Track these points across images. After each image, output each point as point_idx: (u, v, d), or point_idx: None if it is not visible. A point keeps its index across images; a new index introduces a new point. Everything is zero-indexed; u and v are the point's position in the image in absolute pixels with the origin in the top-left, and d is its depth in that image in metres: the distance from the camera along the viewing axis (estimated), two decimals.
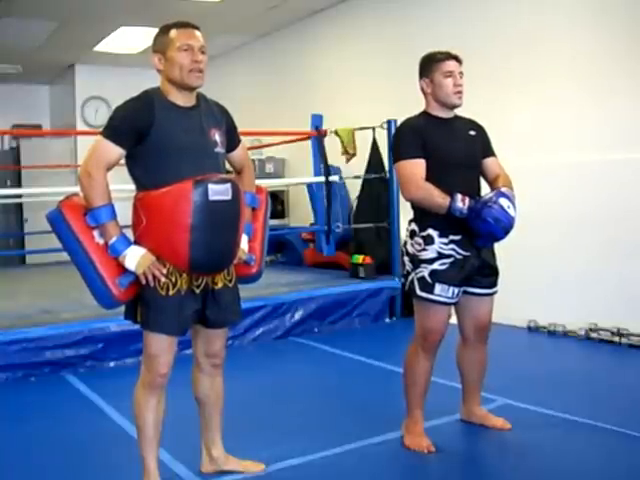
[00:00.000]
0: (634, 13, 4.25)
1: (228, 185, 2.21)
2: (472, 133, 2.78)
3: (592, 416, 2.96)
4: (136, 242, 2.21)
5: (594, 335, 4.40)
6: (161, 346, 2.23)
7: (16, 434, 3.09)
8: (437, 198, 2.58)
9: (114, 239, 2.14)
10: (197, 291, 2.25)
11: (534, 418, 3.02)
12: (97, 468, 2.69)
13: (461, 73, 2.70)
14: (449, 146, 2.69)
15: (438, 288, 2.64)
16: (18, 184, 9.12)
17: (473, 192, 2.68)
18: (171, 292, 2.19)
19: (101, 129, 2.22)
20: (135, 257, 2.15)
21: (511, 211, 2.55)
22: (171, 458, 2.64)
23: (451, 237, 2.64)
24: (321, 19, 7.10)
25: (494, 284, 2.78)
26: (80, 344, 4.16)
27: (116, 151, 2.17)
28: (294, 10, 6.99)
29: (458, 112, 2.81)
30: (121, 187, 3.37)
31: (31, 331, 4.06)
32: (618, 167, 4.31)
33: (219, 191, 2.17)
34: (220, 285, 2.31)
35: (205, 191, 2.14)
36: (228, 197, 2.20)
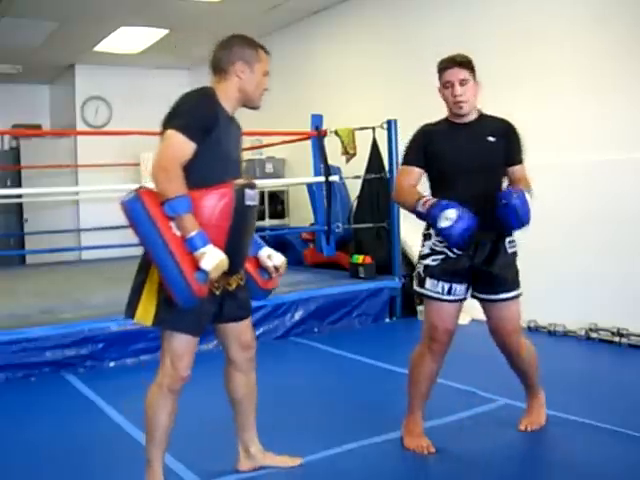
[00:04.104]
0: (635, 12, 4.25)
1: (256, 192, 2.29)
2: (491, 139, 2.70)
3: (592, 416, 2.96)
4: None
5: (594, 335, 4.40)
6: (186, 347, 2.23)
7: (16, 434, 3.09)
8: (409, 202, 2.65)
9: (194, 233, 2.08)
10: (217, 293, 2.27)
11: None
12: (97, 468, 2.69)
13: (463, 80, 2.65)
14: (455, 152, 2.68)
15: (428, 282, 2.69)
16: (18, 184, 9.10)
17: (486, 197, 2.64)
18: None
19: (171, 122, 2.15)
20: (214, 258, 2.08)
21: (446, 223, 2.50)
22: (172, 458, 2.64)
23: None
24: (321, 19, 7.10)
25: (497, 291, 2.72)
26: (80, 344, 4.15)
27: (191, 146, 2.14)
28: (294, 10, 7.00)
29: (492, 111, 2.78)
30: (121, 187, 3.38)
31: (31, 331, 4.06)
32: (618, 167, 4.31)
33: (252, 196, 2.24)
34: (234, 285, 2.35)
35: (243, 196, 2.20)
36: (256, 203, 2.29)
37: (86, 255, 8.58)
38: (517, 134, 2.76)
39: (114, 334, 4.23)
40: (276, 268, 2.51)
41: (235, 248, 2.20)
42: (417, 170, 2.73)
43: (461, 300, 2.73)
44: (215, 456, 2.69)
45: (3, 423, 3.26)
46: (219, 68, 2.30)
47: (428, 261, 2.71)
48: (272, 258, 2.50)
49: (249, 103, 2.34)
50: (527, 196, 2.55)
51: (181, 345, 2.22)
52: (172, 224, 2.08)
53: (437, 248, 2.69)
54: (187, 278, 2.04)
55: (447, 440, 2.81)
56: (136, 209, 2.08)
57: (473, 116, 2.73)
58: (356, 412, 3.21)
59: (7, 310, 4.69)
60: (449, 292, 2.68)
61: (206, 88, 2.27)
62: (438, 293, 2.68)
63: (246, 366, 2.46)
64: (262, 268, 2.50)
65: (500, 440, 2.82)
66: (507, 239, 2.72)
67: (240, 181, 2.24)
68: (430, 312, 2.73)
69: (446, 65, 2.68)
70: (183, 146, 2.12)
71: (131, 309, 2.24)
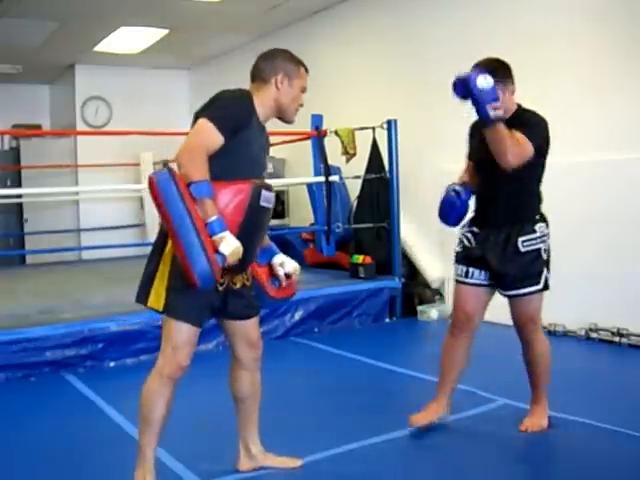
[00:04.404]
0: (634, 11, 4.25)
1: (273, 194, 2.33)
2: None
3: (592, 416, 2.96)
4: None
5: (594, 335, 4.40)
6: (187, 337, 2.25)
7: (16, 434, 3.09)
8: None
9: (214, 218, 2.11)
10: (220, 289, 2.29)
11: None
12: (97, 468, 2.69)
13: None
14: (475, 147, 2.87)
15: (454, 267, 2.95)
16: (18, 184, 9.10)
17: (499, 192, 2.79)
18: None
19: (205, 111, 2.19)
20: (232, 244, 2.13)
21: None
22: (171, 458, 2.64)
23: (473, 228, 2.89)
24: (321, 19, 7.10)
25: (509, 287, 2.83)
26: (80, 344, 4.15)
27: (219, 138, 2.17)
28: (294, 10, 6.99)
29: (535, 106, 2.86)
30: (121, 187, 3.38)
31: (31, 331, 4.05)
32: (619, 167, 4.31)
33: (267, 198, 2.28)
34: (239, 285, 2.37)
35: (259, 195, 2.24)
36: (271, 205, 2.32)
37: (86, 255, 8.55)
38: (527, 117, 2.78)
39: (114, 334, 4.23)
40: (288, 275, 2.51)
41: (244, 246, 2.20)
42: (469, 161, 3.00)
43: (481, 286, 2.86)
44: (215, 456, 2.69)
45: (3, 423, 3.26)
46: (260, 77, 2.36)
47: (457, 248, 2.96)
48: (284, 265, 2.52)
49: (283, 115, 2.41)
50: (472, 76, 2.55)
51: (182, 334, 2.24)
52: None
53: (461, 236, 2.95)
54: (210, 257, 2.06)
55: (447, 440, 2.81)
56: (168, 184, 2.07)
57: (507, 116, 2.73)
58: (356, 412, 3.21)
59: (7, 310, 4.69)
60: (466, 275, 2.89)
61: (246, 90, 2.33)
62: (459, 275, 2.92)
63: (252, 365, 2.48)
64: (274, 276, 2.52)
65: (500, 440, 2.82)
66: (521, 238, 2.76)
67: (259, 181, 2.28)
68: (454, 294, 2.97)
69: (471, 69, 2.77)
70: (211, 136, 2.15)
71: (143, 295, 2.27)
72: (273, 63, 2.37)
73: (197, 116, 2.21)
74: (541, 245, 2.79)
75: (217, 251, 2.10)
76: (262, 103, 2.33)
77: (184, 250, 2.06)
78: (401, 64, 6.11)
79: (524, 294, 2.81)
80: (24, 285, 6.39)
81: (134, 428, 2.94)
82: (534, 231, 2.78)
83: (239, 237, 2.18)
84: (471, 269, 2.87)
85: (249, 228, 2.23)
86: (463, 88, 2.56)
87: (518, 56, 4.93)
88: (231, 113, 2.22)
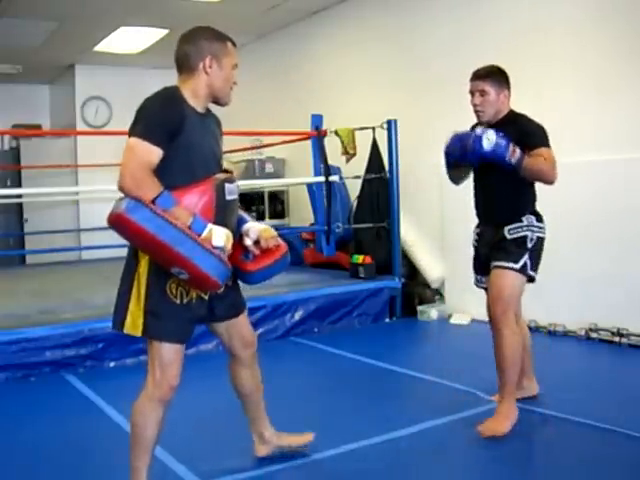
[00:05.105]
0: (635, 11, 4.25)
1: (236, 184, 2.27)
2: (500, 134, 2.88)
3: (592, 416, 2.96)
4: None
5: (594, 335, 4.40)
6: (174, 355, 2.19)
7: (16, 434, 3.09)
8: None
9: (191, 220, 2.04)
10: (205, 297, 2.24)
11: (534, 418, 3.02)
12: (97, 468, 2.69)
13: (482, 91, 2.89)
14: None
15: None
16: (18, 184, 9.11)
17: (492, 192, 2.96)
18: (185, 300, 2.17)
19: (134, 129, 2.09)
20: (221, 233, 2.07)
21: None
22: (171, 458, 2.64)
23: (477, 230, 3.14)
24: (321, 19, 7.10)
25: (493, 260, 2.98)
26: (80, 344, 4.15)
27: (157, 152, 2.06)
28: (294, 10, 7.00)
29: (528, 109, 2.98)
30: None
31: (31, 331, 4.05)
32: (618, 167, 4.31)
33: (232, 190, 2.22)
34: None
35: (223, 191, 2.17)
36: (236, 196, 2.26)
37: (86, 255, 8.58)
38: (524, 121, 2.93)
39: (114, 334, 4.17)
40: (256, 242, 2.34)
41: None
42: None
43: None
44: (217, 457, 2.70)
45: (3, 423, 3.26)
46: (186, 66, 2.23)
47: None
48: (249, 233, 2.34)
49: (218, 100, 2.27)
50: (478, 135, 2.75)
51: (169, 354, 2.18)
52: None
53: (472, 242, 3.15)
54: (214, 253, 2.02)
55: (447, 440, 2.81)
56: (139, 209, 1.95)
57: (499, 116, 2.95)
58: (356, 412, 3.21)
59: (7, 310, 4.69)
60: (478, 281, 3.16)
61: (169, 88, 2.20)
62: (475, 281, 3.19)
63: (250, 361, 2.50)
64: (247, 250, 2.37)
65: (499, 440, 2.81)
66: (507, 227, 2.93)
67: (219, 176, 2.20)
68: None
69: (471, 77, 2.95)
70: (148, 154, 2.04)
71: (119, 321, 2.19)
72: (197, 47, 2.21)
73: (129, 134, 2.09)
74: (527, 233, 2.92)
75: (213, 246, 2.05)
76: (195, 93, 2.20)
77: (189, 260, 1.99)
78: (401, 64, 6.12)
79: (498, 266, 2.91)
80: (24, 285, 6.39)
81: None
82: (521, 220, 2.93)
83: None
84: (477, 276, 3.15)
85: (222, 225, 2.13)
86: (463, 153, 2.78)
87: (519, 55, 4.97)
88: (160, 121, 2.08)
